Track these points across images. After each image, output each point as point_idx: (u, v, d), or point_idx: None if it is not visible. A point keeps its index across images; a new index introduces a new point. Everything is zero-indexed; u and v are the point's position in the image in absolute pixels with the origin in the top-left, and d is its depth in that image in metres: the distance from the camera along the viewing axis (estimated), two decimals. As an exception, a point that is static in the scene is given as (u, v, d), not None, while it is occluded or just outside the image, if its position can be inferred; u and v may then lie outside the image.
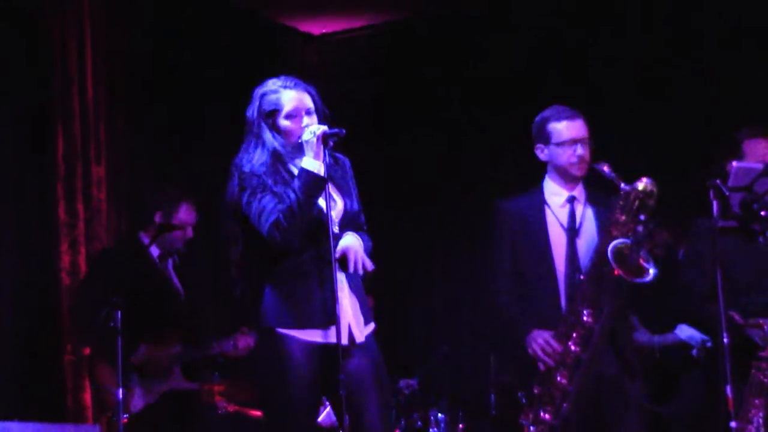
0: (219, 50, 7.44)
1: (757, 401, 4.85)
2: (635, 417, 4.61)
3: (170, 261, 5.86)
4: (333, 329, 4.10)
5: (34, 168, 6.44)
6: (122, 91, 6.87)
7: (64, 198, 6.46)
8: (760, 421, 4.86)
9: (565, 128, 4.71)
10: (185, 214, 5.82)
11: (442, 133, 7.87)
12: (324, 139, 4.13)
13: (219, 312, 6.26)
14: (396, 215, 7.85)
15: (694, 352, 5.92)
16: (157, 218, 5.76)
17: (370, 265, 4.20)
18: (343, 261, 4.16)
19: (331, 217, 4.10)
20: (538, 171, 4.87)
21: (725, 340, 4.40)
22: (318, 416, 6.07)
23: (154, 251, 5.79)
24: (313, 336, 4.13)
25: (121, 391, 5.04)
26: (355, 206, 4.33)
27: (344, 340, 4.10)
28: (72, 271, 6.38)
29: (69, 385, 6.27)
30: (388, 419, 4.28)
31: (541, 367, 4.59)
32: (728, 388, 4.39)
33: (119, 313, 5.08)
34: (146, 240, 5.75)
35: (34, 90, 6.47)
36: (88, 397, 6.25)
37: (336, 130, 4.15)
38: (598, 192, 4.79)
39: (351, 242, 4.20)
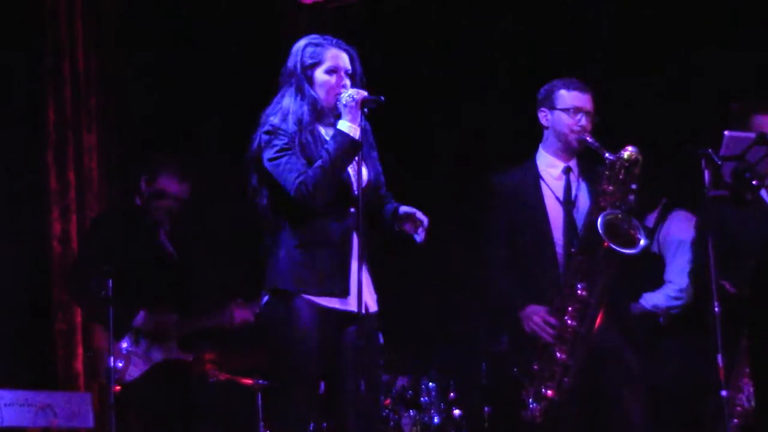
0: (210, 17, 7.38)
1: (747, 370, 4.87)
2: (637, 388, 4.58)
3: (161, 231, 5.82)
4: (351, 297, 4.13)
5: (24, 136, 6.42)
6: (113, 60, 6.84)
7: (55, 166, 6.44)
8: (751, 389, 4.88)
9: (573, 97, 4.75)
10: (166, 182, 5.75)
11: (438, 105, 7.81)
12: (362, 104, 4.13)
13: (212, 283, 6.24)
14: (391, 189, 7.80)
15: (661, 320, 5.89)
16: (142, 185, 5.72)
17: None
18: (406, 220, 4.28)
19: (360, 184, 4.12)
20: (532, 143, 4.87)
21: (716, 309, 4.40)
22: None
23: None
24: (331, 302, 4.14)
25: (112, 358, 5.05)
26: (375, 174, 4.37)
27: (361, 309, 4.09)
28: (63, 239, 6.37)
29: (60, 353, 6.28)
30: (374, 393, 4.28)
31: (546, 337, 4.57)
32: (719, 357, 4.39)
33: (110, 281, 5.07)
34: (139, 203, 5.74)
35: (25, 59, 6.44)
36: (79, 365, 6.26)
37: (375, 96, 4.16)
38: (590, 165, 4.79)
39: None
